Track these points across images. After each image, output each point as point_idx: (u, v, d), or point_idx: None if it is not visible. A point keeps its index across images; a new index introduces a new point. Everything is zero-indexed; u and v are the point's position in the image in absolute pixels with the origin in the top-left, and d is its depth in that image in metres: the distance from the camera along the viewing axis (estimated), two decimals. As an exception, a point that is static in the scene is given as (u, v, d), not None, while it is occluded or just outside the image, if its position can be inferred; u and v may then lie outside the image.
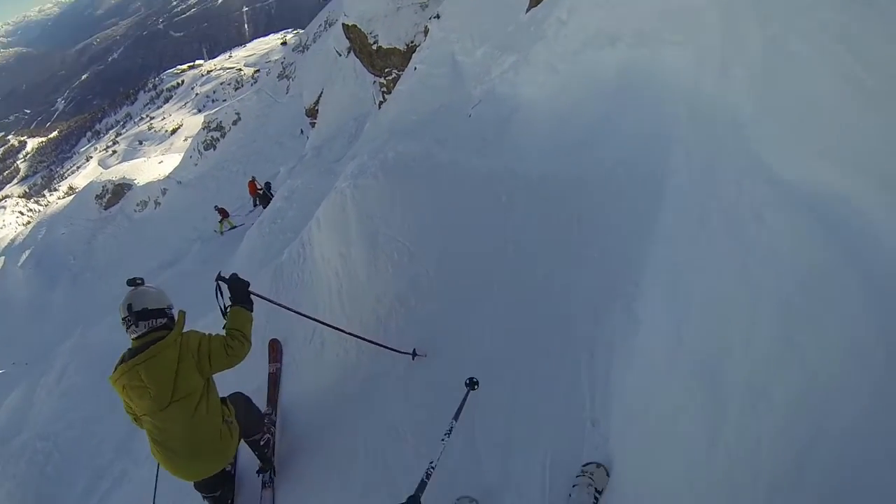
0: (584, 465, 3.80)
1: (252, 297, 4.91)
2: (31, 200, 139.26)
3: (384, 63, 22.13)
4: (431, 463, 3.60)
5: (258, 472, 5.34)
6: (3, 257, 77.16)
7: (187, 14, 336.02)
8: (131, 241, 62.73)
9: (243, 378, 6.14)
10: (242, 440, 5.02)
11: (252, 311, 4.75)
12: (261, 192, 30.79)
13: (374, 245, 6.49)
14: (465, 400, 4.31)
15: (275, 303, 5.52)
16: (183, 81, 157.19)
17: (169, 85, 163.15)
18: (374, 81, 23.32)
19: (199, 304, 14.53)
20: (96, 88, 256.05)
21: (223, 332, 4.54)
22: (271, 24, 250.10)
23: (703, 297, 3.52)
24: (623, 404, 3.81)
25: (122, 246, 63.32)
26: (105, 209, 72.79)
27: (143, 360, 4.03)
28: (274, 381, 6.47)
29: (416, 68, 17.42)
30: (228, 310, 4.69)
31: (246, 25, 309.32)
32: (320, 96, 34.36)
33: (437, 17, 17.61)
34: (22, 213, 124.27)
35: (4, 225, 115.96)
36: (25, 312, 59.69)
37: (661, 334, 3.72)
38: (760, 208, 3.31)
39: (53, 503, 8.42)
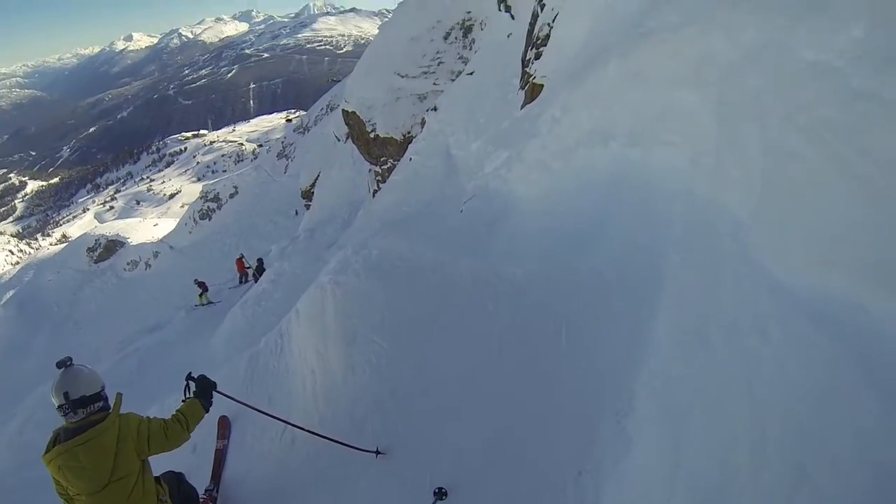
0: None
1: (216, 396, 5.09)
2: (23, 241, 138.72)
3: (381, 151, 22.44)
4: None
5: None
6: None
7: (197, 84, 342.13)
8: (117, 299, 62.19)
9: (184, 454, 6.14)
10: None
11: (208, 411, 4.82)
12: (249, 269, 30.96)
13: (352, 345, 6.33)
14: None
15: (241, 402, 5.76)
16: (186, 148, 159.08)
17: (172, 150, 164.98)
18: (370, 169, 23.65)
19: (169, 379, 14.46)
20: (102, 142, 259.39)
21: (166, 417, 4.58)
22: (276, 103, 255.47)
23: (704, 416, 3.27)
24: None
25: (108, 302, 62.78)
26: (95, 262, 72.39)
27: (83, 442, 3.95)
28: (219, 457, 6.47)
29: (411, 159, 17.64)
30: (184, 402, 4.77)
31: (251, 101, 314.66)
32: (317, 179, 34.77)
33: (435, 109, 17.97)
34: (12, 252, 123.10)
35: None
36: (3, 351, 58.97)
37: (656, 455, 3.43)
38: (764, 321, 3.18)
39: None
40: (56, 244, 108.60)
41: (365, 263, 7.11)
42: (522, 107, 12.00)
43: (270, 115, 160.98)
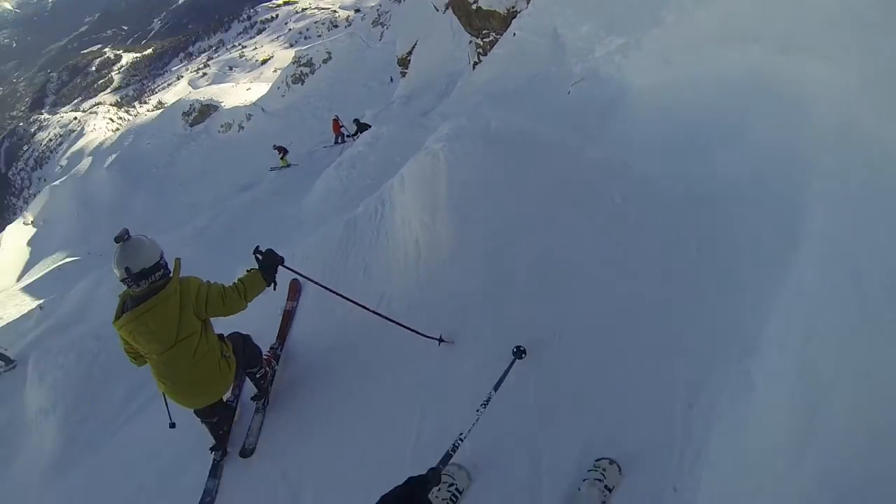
0: (596, 460, 3.64)
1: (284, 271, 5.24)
2: (122, 110, 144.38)
3: (482, 24, 21.76)
4: (461, 435, 3.55)
5: (252, 398, 5.80)
6: (90, 158, 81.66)
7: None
8: (212, 160, 64.97)
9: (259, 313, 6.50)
10: (243, 373, 5.51)
11: (269, 285, 4.96)
12: (343, 129, 31.44)
13: (465, 220, 5.71)
14: (508, 370, 4.25)
15: (308, 278, 5.81)
16: (277, 16, 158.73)
17: (263, 17, 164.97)
18: (471, 41, 23.03)
19: (259, 238, 14.83)
20: (193, 13, 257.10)
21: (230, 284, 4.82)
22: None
23: (853, 382, 2.67)
24: (717, 484, 3.14)
25: (203, 162, 65.79)
26: (190, 126, 75.21)
27: (149, 309, 4.28)
28: (287, 318, 6.66)
29: (515, 34, 17.03)
30: (247, 272, 4.92)
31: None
32: (413, 48, 34.18)
33: (542, -16, 17.26)
34: (112, 120, 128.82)
35: (95, 129, 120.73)
36: (108, 210, 64.24)
37: (783, 413, 2.93)
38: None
39: (93, 402, 8.66)
40: (152, 111, 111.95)
41: (483, 133, 6.38)
42: (639, -10, 11.52)
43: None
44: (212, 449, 5.46)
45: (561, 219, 5.34)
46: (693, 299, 4.14)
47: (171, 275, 4.52)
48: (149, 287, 4.35)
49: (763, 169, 4.61)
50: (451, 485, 3.87)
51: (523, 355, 4.41)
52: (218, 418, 5.36)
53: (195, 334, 4.51)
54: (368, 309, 5.44)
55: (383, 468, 4.36)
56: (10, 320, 22.02)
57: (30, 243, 70.09)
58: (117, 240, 4.40)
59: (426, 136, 12.01)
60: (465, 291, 5.30)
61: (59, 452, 7.92)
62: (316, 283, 5.70)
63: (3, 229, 79.49)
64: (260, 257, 4.97)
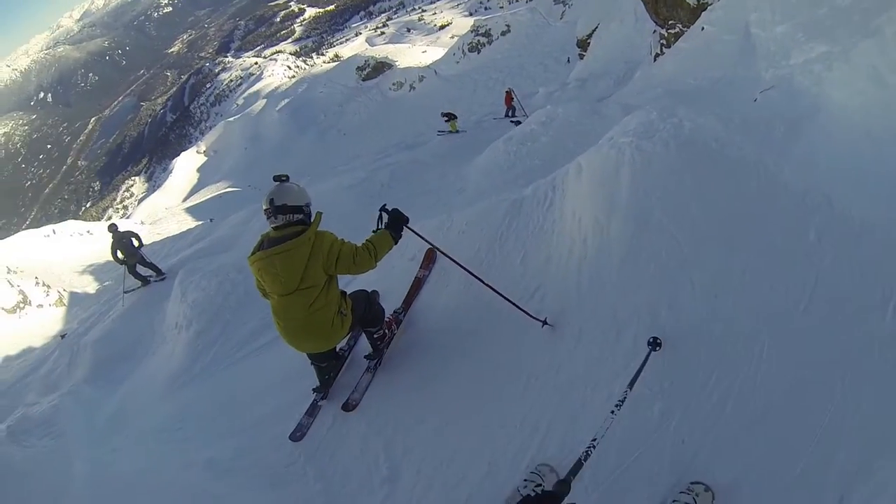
0: (691, 483, 3.52)
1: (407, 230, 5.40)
2: (300, 59, 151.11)
3: (669, 14, 21.01)
4: (594, 440, 3.32)
5: (366, 356, 5.98)
6: (265, 100, 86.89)
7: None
8: (379, 115, 66.96)
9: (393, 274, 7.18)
10: (361, 329, 5.79)
11: (397, 242, 5.16)
12: (515, 103, 31.42)
13: (642, 228, 5.13)
14: (644, 364, 4.04)
15: (429, 242, 6.10)
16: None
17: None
18: (655, 31, 22.29)
19: (415, 197, 15.07)
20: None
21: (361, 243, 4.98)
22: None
23: None
24: None
25: (371, 117, 67.92)
26: (363, 81, 77.58)
27: (280, 252, 4.57)
28: (417, 284, 6.78)
29: (703, 28, 16.36)
30: (376, 231, 5.14)
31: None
32: (594, 30, 33.60)
33: (739, -24, 16.46)
34: (289, 68, 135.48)
35: (273, 74, 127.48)
36: (273, 149, 68.90)
37: None
38: None
39: (224, 328, 9.23)
40: (328, 62, 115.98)
41: (676, 134, 5.65)
42: (852, -6, 10.74)
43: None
44: (314, 390, 5.90)
45: (746, 247, 4.73)
46: (873, 377, 3.57)
47: (309, 224, 4.80)
48: (286, 228, 4.69)
49: None
50: (539, 485, 3.81)
51: (658, 347, 4.24)
52: (327, 364, 5.78)
53: (316, 287, 4.71)
54: (482, 280, 5.53)
55: (482, 449, 4.49)
56: (169, 236, 23.65)
57: (199, 170, 75.65)
58: (275, 179, 4.90)
59: (602, 125, 11.85)
60: (624, 307, 4.83)
61: (184, 369, 8.57)
62: (438, 249, 6.04)
63: (179, 154, 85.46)
64: (386, 215, 5.20)
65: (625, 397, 3.75)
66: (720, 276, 4.57)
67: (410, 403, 5.41)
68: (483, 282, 5.50)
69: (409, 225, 5.32)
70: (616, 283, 5.04)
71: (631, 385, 3.84)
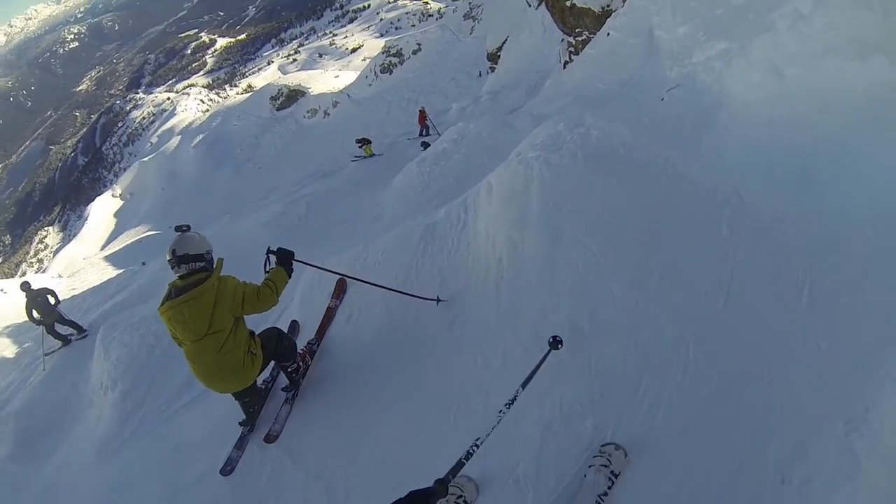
0: (602, 446, 3.63)
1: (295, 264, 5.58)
2: (213, 91, 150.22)
3: (576, 22, 21.43)
4: (478, 440, 3.34)
5: (283, 389, 6.17)
6: (179, 136, 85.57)
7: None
8: (295, 144, 66.66)
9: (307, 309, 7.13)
10: (275, 364, 6.06)
11: (290, 275, 5.41)
12: (429, 122, 31.38)
13: (556, 243, 5.04)
14: (542, 361, 4.10)
15: (316, 266, 6.18)
16: (369, 5, 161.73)
17: (355, 7, 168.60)
18: (563, 39, 22.69)
19: (333, 227, 14.92)
20: (286, 1, 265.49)
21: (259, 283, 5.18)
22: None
23: None
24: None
25: (286, 146, 67.59)
26: (277, 110, 76.96)
27: (188, 300, 4.75)
28: (329, 314, 6.81)
29: (609, 34, 16.72)
30: (270, 270, 5.33)
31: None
32: (504, 43, 34.04)
33: (640, -17, 16.82)
34: (202, 102, 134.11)
35: (186, 109, 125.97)
36: (191, 186, 68.10)
37: (889, 499, 2.71)
38: None
39: (150, 385, 8.84)
40: (242, 94, 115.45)
41: (583, 144, 5.64)
42: (743, -7, 10.99)
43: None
44: (241, 423, 5.99)
45: (661, 250, 4.67)
46: (799, 359, 3.60)
47: (212, 270, 5.00)
48: (190, 276, 4.86)
49: (883, 206, 4.10)
50: (460, 496, 3.83)
51: (560, 346, 4.25)
52: (249, 399, 5.85)
53: (224, 330, 4.89)
54: (370, 282, 6.00)
55: (402, 469, 4.52)
56: (89, 288, 22.78)
57: (116, 215, 73.82)
58: (177, 229, 5.17)
59: (514, 138, 11.81)
60: (545, 325, 4.66)
61: (113, 434, 8.16)
62: (325, 268, 6.36)
63: (94, 200, 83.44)
64: (273, 256, 5.41)
65: (516, 396, 3.78)
66: (639, 283, 4.52)
67: (328, 429, 5.49)
68: (375, 284, 5.94)
69: (296, 258, 5.53)
70: (535, 302, 4.96)
71: (524, 385, 3.87)
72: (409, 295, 5.78)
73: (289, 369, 5.98)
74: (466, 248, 6.10)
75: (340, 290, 6.96)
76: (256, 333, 5.47)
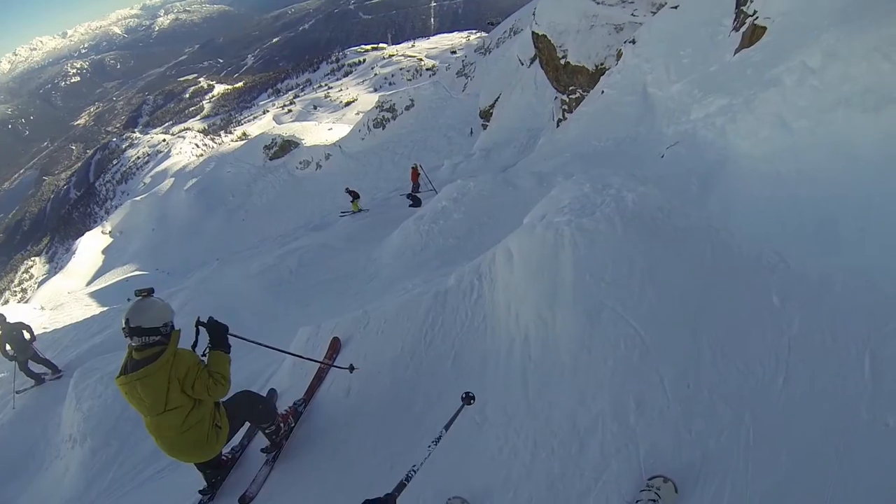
0: (649, 479, 3.47)
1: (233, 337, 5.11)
2: (208, 137, 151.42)
3: (570, 80, 21.62)
4: (414, 466, 3.65)
5: (262, 450, 5.69)
6: (172, 179, 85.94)
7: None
8: (287, 194, 66.76)
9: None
10: (253, 425, 5.72)
11: (229, 353, 4.91)
12: (421, 179, 30.82)
13: (594, 320, 4.47)
14: (457, 413, 4.31)
15: (255, 342, 5.65)
16: (364, 60, 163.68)
17: (351, 61, 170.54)
18: (556, 97, 22.86)
19: (326, 284, 14.74)
20: (284, 52, 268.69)
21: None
22: (457, 22, 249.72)
23: None
24: None
25: (278, 196, 67.74)
26: (270, 160, 77.11)
27: (140, 378, 4.37)
28: (320, 375, 6.44)
29: (603, 92, 16.87)
30: (208, 352, 4.84)
31: (432, 19, 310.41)
32: (496, 100, 34.29)
33: (633, 42, 17.00)
34: (197, 146, 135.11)
35: (180, 152, 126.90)
36: (181, 230, 67.79)
37: None
38: None
39: (121, 445, 8.33)
40: (236, 141, 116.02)
41: (618, 208, 5.03)
42: (736, 51, 11.01)
43: (451, 34, 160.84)
44: (201, 492, 5.61)
45: (711, 326, 4.22)
46: (866, 437, 3.36)
47: (167, 344, 4.54)
48: (144, 349, 4.44)
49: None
50: None
51: (472, 401, 4.41)
52: (210, 470, 5.54)
53: (183, 407, 4.54)
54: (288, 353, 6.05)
55: None
56: (71, 323, 22.31)
57: (104, 251, 73.40)
58: (137, 293, 4.66)
59: (517, 197, 11.85)
60: (584, 413, 4.17)
61: (78, 494, 7.75)
62: (264, 345, 5.76)
63: (83, 234, 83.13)
64: (204, 329, 4.91)
65: (440, 436, 4.05)
66: (689, 363, 4.07)
67: (308, 494, 5.11)
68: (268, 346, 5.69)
69: (231, 332, 5.03)
70: (571, 386, 4.38)
71: (446, 428, 4.13)
72: (318, 362, 5.71)
73: (267, 431, 5.62)
74: (483, 322, 5.47)
75: (334, 349, 6.58)
76: (225, 401, 5.07)
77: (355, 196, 30.47)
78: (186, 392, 4.51)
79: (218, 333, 4.90)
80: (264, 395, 6.40)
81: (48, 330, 18.97)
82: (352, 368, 5.63)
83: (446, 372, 5.35)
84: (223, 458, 5.77)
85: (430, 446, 3.94)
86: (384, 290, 9.36)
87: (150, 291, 4.68)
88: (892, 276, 4.06)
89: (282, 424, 5.71)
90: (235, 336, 5.10)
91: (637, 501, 3.37)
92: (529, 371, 4.66)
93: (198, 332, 4.86)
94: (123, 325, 4.42)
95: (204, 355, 4.78)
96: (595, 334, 4.37)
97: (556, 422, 4.24)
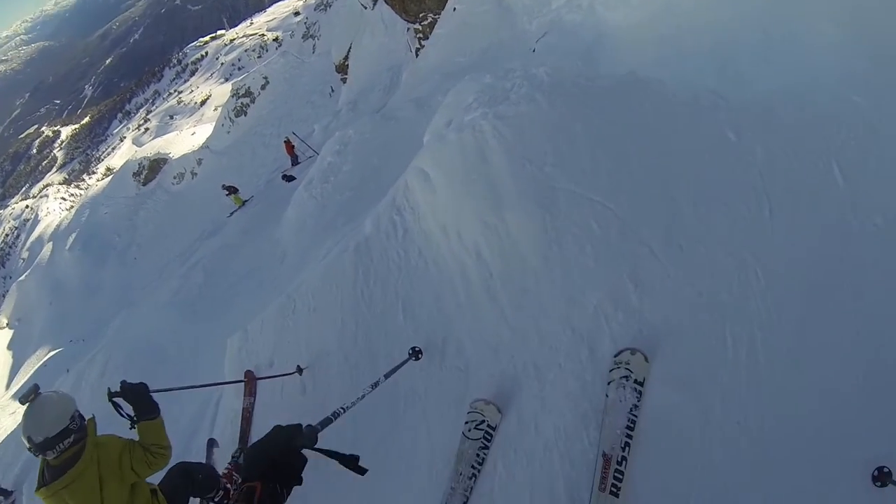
0: (615, 356, 3.42)
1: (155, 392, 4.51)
2: (72, 185, 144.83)
3: (418, 7, 21.28)
4: (343, 405, 3.38)
5: None
6: (50, 243, 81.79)
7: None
8: (172, 214, 64.55)
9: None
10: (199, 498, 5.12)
11: (159, 415, 4.33)
12: (297, 150, 31.30)
13: (552, 210, 4.06)
14: (401, 364, 4.33)
15: (180, 388, 5.18)
16: (207, 53, 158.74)
17: (193, 58, 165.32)
18: (409, 28, 22.41)
19: (239, 282, 14.19)
20: (122, 70, 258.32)
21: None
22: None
23: None
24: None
25: (164, 219, 65.32)
26: (143, 185, 74.35)
27: (66, 485, 3.79)
28: (247, 416, 5.97)
29: (455, 9, 16.55)
30: (136, 425, 4.26)
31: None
32: (349, 51, 33.64)
33: (469, -50, 16.61)
34: (64, 199, 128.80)
35: (49, 212, 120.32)
36: (78, 292, 63.96)
37: None
38: None
39: None
40: (102, 179, 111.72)
41: (534, 85, 4.61)
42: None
43: (285, 0, 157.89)
44: None
45: (681, 179, 3.94)
46: (861, 245, 3.34)
47: (86, 438, 3.96)
48: (62, 455, 3.83)
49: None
50: (482, 422, 3.80)
51: (420, 356, 4.48)
52: None
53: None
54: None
55: None
56: (6, 435, 21.02)
57: (10, 347, 69.45)
58: (22, 401, 3.95)
59: (402, 128, 11.36)
60: (579, 314, 3.81)
61: None
62: (181, 388, 5.22)
63: (-22, 339, 78.95)
64: (120, 401, 4.28)
65: (378, 382, 4.02)
66: (673, 222, 3.83)
67: None
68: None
69: (150, 389, 4.42)
70: (551, 288, 4.01)
71: (387, 376, 4.14)
72: (266, 378, 5.35)
73: (215, 500, 5.14)
74: (420, 257, 5.06)
75: (251, 385, 6.07)
76: (159, 484, 4.61)
77: (233, 190, 30.24)
78: (126, 478, 3.97)
79: (138, 398, 4.28)
80: (205, 451, 6.05)
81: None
82: (300, 370, 5.23)
83: (400, 327, 4.91)
84: None
85: (364, 389, 3.82)
86: (299, 268, 8.90)
87: (36, 390, 3.97)
88: (817, 91, 4.01)
89: (228, 486, 5.26)
90: (157, 391, 4.49)
91: (608, 383, 3.33)
92: (496, 290, 4.30)
93: (118, 407, 4.23)
94: (28, 446, 3.80)
95: (132, 427, 4.21)
96: (559, 224, 4.03)
97: (551, 333, 3.88)
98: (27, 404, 3.87)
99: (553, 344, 3.79)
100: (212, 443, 6.06)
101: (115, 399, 4.22)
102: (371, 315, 5.17)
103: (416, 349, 4.41)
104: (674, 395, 3.25)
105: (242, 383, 6.03)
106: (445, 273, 4.72)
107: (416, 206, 5.15)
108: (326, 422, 3.00)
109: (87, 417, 4.04)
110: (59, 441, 3.77)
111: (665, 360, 3.36)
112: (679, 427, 3.17)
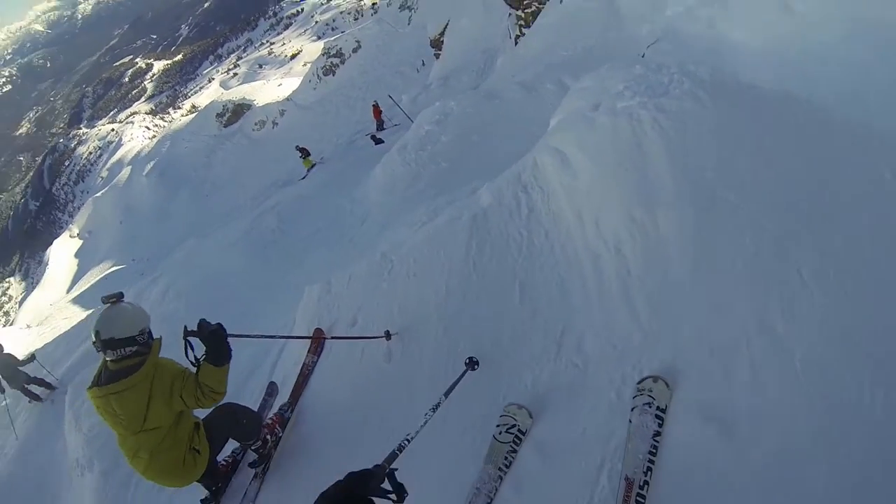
0: (638, 383, 3.50)
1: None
2: (157, 117, 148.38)
3: (524, -6, 21.09)
4: (408, 435, 3.42)
5: (250, 464, 5.35)
6: (129, 167, 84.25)
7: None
8: (249, 158, 65.35)
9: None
10: (237, 442, 5.32)
11: (228, 363, 4.24)
12: (384, 116, 31.61)
13: (709, 215, 3.87)
14: (460, 379, 4.24)
15: (252, 336, 5.10)
16: (303, 9, 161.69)
17: (289, 12, 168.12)
18: (511, 14, 22.26)
19: (314, 234, 14.36)
20: (218, 15, 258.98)
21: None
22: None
23: None
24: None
25: (240, 162, 66.24)
26: (225, 127, 75.92)
27: (116, 392, 3.96)
28: (305, 373, 5.94)
29: (562, 1, 16.40)
30: (200, 363, 4.20)
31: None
32: (446, 27, 33.57)
33: (591, -54, 16.43)
34: (148, 128, 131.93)
35: (132, 138, 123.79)
36: (148, 216, 66.30)
37: None
38: None
39: None
40: (187, 115, 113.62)
41: (696, 83, 4.37)
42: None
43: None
44: (203, 501, 5.25)
45: (843, 208, 3.67)
46: None
47: (149, 353, 4.13)
48: (121, 360, 4.04)
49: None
50: (513, 426, 3.86)
51: (476, 366, 4.41)
52: (207, 480, 5.02)
53: (161, 428, 4.15)
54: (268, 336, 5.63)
55: None
56: (59, 334, 21.58)
57: (77, 255, 72.12)
58: (104, 300, 4.17)
59: (506, 108, 11.48)
60: (722, 331, 3.59)
61: None
62: (255, 335, 5.19)
63: (51, 243, 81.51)
64: (196, 336, 4.15)
65: (439, 403, 3.95)
66: (828, 252, 3.55)
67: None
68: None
69: (228, 333, 4.25)
70: (695, 298, 3.79)
71: (447, 394, 4.05)
72: (345, 338, 5.33)
73: (253, 447, 5.23)
74: (547, 240, 4.76)
75: (318, 344, 5.99)
76: (204, 419, 4.67)
77: (305, 153, 30.38)
78: (173, 405, 4.11)
79: (216, 342, 4.16)
80: (261, 393, 6.19)
81: (38, 347, 17.91)
82: (388, 335, 5.06)
83: (514, 307, 4.65)
84: (221, 464, 5.28)
85: (426, 414, 3.78)
86: (382, 230, 8.95)
87: (120, 296, 4.20)
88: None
89: (268, 437, 5.28)
90: (234, 335, 4.31)
91: (632, 409, 3.38)
92: (632, 289, 4.05)
93: (188, 346, 4.16)
94: (94, 339, 4.01)
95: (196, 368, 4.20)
96: (713, 233, 3.83)
97: (688, 345, 3.66)
98: (108, 305, 4.12)
99: (687, 357, 3.60)
100: (272, 387, 6.10)
101: (188, 337, 4.12)
102: (483, 290, 4.96)
103: (473, 359, 4.35)
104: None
105: (309, 339, 5.99)
106: (574, 262, 4.49)
107: (547, 185, 4.91)
108: (392, 457, 3.05)
109: (155, 337, 4.23)
110: (122, 346, 3.98)
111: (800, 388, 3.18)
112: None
